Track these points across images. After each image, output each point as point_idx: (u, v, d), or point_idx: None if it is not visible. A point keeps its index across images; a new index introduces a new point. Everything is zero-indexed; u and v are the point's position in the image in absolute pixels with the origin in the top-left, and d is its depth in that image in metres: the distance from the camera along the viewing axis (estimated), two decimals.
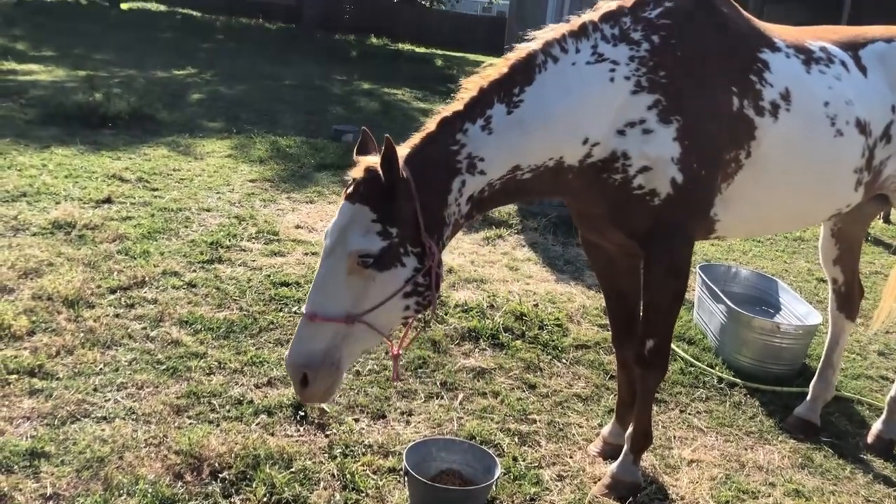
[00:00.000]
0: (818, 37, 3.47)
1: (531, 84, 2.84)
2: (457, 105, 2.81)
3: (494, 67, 2.90)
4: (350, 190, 2.64)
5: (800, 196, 3.35)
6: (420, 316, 2.72)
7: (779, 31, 3.37)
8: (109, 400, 3.59)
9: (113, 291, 4.68)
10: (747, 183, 3.15)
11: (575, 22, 2.98)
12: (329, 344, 2.58)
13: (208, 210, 6.52)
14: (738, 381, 4.51)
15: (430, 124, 2.80)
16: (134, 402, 3.60)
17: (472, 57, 26.19)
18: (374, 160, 2.61)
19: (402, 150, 2.70)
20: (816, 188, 3.37)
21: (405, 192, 2.58)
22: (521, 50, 2.91)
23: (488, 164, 2.77)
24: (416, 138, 2.78)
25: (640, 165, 2.91)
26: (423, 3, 35.08)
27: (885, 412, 4.04)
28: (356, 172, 2.65)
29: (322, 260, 2.63)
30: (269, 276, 5.20)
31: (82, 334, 4.13)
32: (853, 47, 3.47)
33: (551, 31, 2.96)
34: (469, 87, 2.85)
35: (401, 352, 2.91)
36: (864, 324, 5.56)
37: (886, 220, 8.76)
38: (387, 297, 2.60)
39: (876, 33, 3.57)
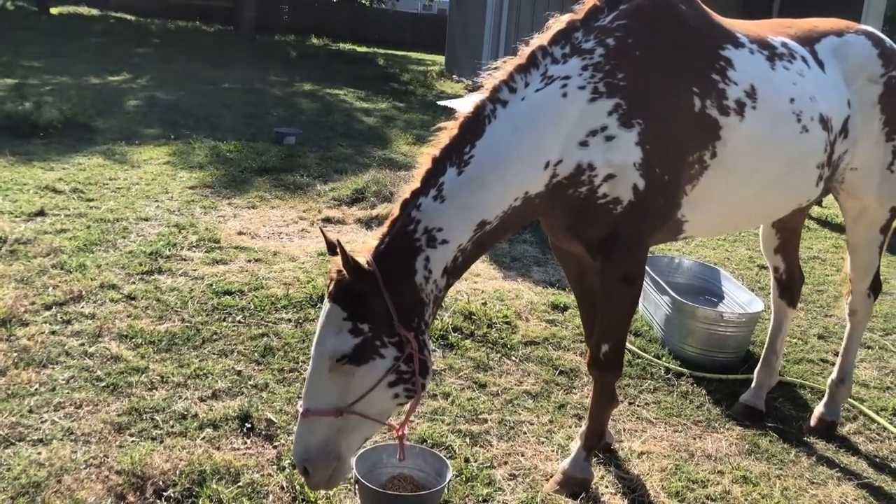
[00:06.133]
0: (775, 31, 3.42)
1: (481, 137, 2.77)
2: (414, 182, 2.78)
3: (446, 130, 2.82)
4: (328, 289, 2.66)
5: (767, 193, 3.33)
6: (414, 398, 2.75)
7: (741, 27, 3.31)
8: (46, 421, 3.46)
9: (48, 307, 4.53)
10: (715, 183, 3.10)
11: (524, 52, 2.89)
12: (325, 437, 2.64)
13: (147, 219, 6.36)
14: (684, 370, 4.57)
15: (395, 208, 2.77)
16: (72, 422, 3.48)
17: (414, 55, 26.13)
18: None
19: (371, 242, 2.72)
20: (783, 185, 3.35)
21: (373, 286, 2.59)
22: (471, 105, 2.83)
23: (449, 232, 2.71)
24: (385, 225, 2.76)
25: (605, 174, 2.86)
26: (363, 2, 34.88)
27: (826, 395, 4.13)
28: (329, 274, 2.68)
29: (311, 354, 2.68)
30: (211, 285, 5.08)
31: (15, 354, 3.98)
32: (809, 42, 3.44)
33: (499, 72, 2.87)
34: (423, 161, 2.79)
35: (405, 431, 2.93)
36: (804, 308, 5.70)
37: (818, 202, 8.99)
38: (369, 389, 2.63)
39: (826, 27, 3.56)
